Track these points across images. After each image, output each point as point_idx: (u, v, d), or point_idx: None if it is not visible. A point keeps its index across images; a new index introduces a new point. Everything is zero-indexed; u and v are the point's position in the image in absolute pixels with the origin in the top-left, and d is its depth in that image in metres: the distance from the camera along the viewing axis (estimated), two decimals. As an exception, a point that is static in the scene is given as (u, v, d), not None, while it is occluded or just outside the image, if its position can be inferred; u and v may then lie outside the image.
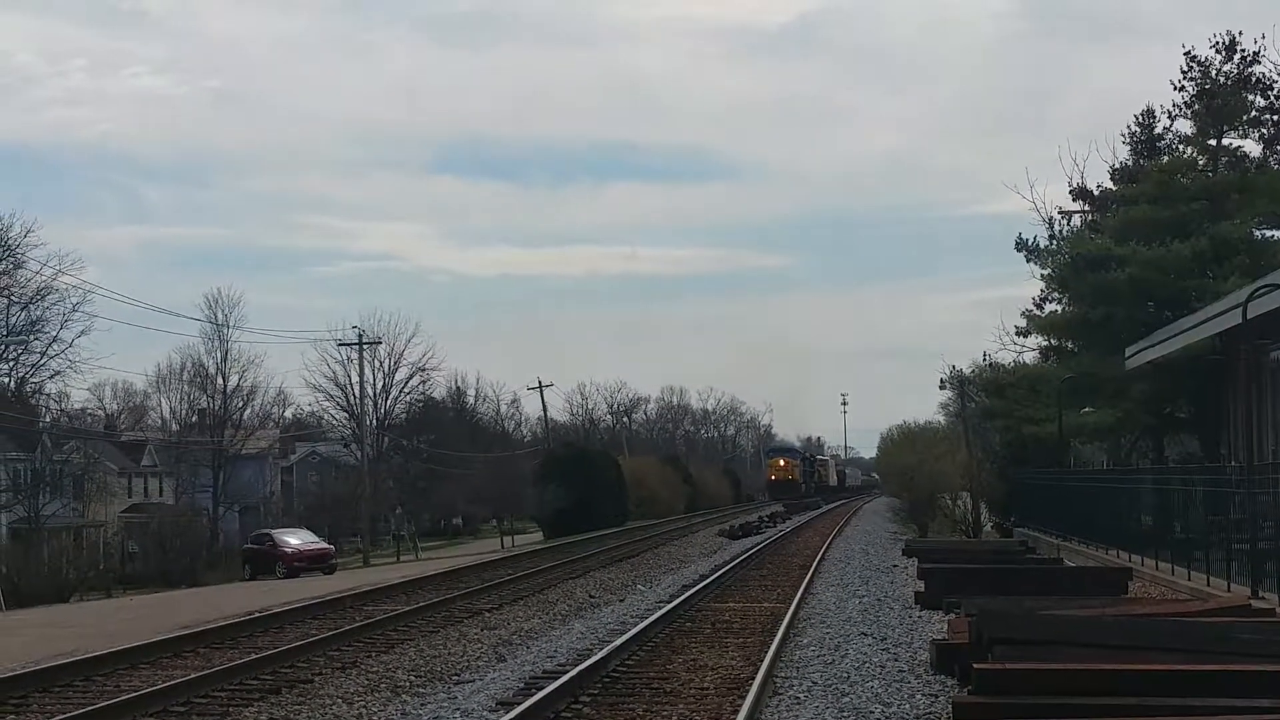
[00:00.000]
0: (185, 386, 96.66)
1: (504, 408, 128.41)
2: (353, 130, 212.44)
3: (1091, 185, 54.92)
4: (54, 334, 71.41)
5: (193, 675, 18.57)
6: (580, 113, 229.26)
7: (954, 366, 72.08)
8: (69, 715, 15.51)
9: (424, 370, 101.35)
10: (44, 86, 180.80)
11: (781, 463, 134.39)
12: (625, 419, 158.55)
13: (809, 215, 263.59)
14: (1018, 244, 54.89)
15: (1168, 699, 12.59)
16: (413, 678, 18.81)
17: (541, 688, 16.33)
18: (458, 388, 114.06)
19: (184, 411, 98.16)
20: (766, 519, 70.32)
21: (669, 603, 27.01)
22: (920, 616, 24.15)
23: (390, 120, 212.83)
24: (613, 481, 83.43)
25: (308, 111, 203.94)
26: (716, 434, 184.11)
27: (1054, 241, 55.19)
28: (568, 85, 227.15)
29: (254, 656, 20.55)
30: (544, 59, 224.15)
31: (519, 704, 15.30)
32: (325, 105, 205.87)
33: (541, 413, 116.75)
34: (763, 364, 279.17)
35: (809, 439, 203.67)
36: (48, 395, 78.59)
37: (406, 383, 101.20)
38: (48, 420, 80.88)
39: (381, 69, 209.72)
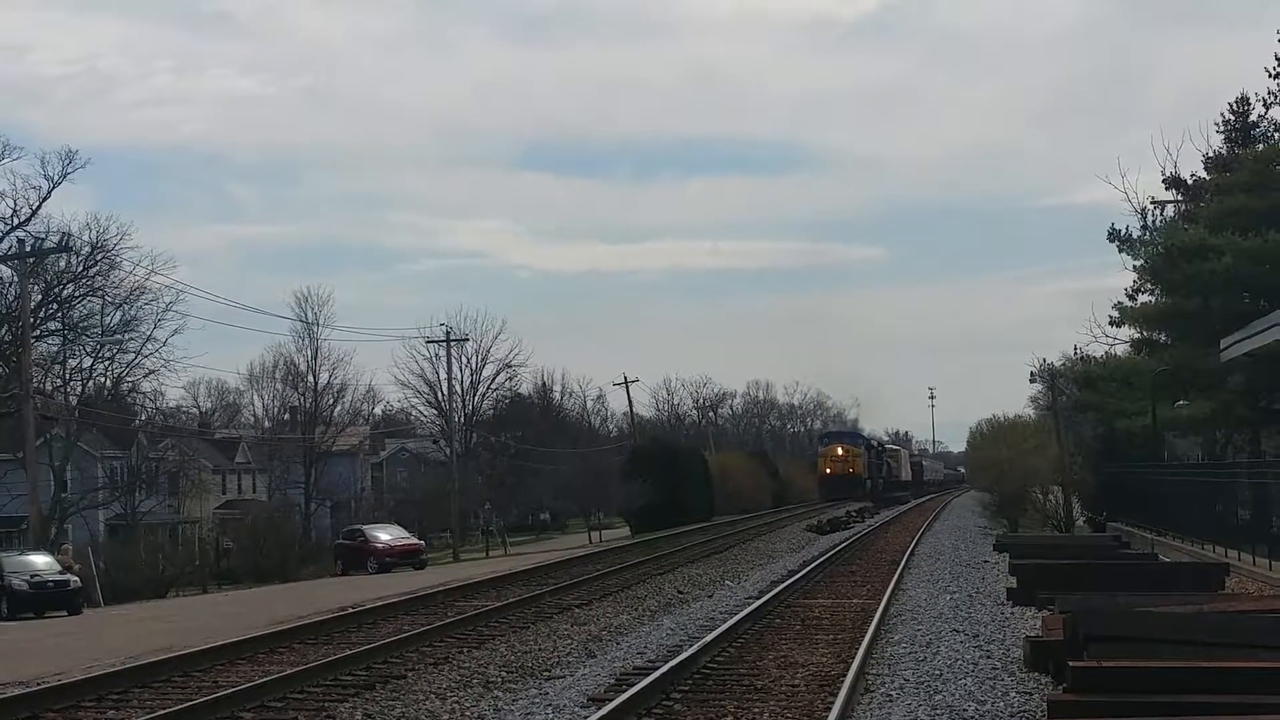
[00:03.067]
0: (277, 384, 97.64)
1: (590, 403, 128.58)
2: (437, 128, 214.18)
3: (1185, 174, 54.23)
4: (148, 333, 72.15)
5: (288, 671, 18.77)
6: (662, 107, 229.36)
7: (1044, 359, 71.56)
8: (168, 710, 15.71)
9: (511, 366, 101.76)
10: (131, 89, 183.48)
11: (839, 451, 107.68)
12: (711, 414, 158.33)
13: (893, 206, 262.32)
14: (1110, 234, 54.42)
15: (1268, 697, 12.42)
16: (504, 673, 18.91)
17: (632, 684, 16.36)
18: (544, 384, 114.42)
19: (276, 409, 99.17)
20: (855, 514, 69.99)
21: (758, 599, 26.99)
22: (1012, 613, 23.96)
23: (474, 117, 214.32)
24: (699, 477, 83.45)
25: (393, 110, 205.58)
26: (803, 428, 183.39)
27: (1147, 232, 54.62)
28: (649, 80, 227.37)
29: (348, 652, 20.75)
30: (625, 54, 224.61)
31: (610, 700, 15.33)
32: (409, 103, 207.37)
33: (627, 408, 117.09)
34: (848, 358, 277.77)
35: (896, 433, 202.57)
36: (143, 394, 79.47)
37: (494, 379, 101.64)
38: (143, 418, 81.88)
39: (463, 67, 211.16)
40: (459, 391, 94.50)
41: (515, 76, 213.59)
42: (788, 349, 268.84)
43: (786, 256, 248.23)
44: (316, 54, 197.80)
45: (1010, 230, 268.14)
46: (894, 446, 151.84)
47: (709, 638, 20.23)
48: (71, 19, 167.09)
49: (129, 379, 75.88)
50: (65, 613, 37.85)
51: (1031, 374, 75.13)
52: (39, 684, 18.73)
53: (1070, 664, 13.48)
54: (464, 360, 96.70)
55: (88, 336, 72.29)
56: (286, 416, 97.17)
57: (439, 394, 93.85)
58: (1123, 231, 54.35)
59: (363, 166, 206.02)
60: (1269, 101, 50.42)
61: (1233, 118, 51.92)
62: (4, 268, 64.83)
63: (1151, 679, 12.96)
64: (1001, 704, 14.93)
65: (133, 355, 73.23)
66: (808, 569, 35.11)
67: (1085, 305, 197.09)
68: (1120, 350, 56.90)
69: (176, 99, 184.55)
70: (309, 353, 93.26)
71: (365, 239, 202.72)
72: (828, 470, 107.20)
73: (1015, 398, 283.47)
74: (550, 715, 15.43)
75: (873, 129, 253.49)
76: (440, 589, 33.12)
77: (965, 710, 14.58)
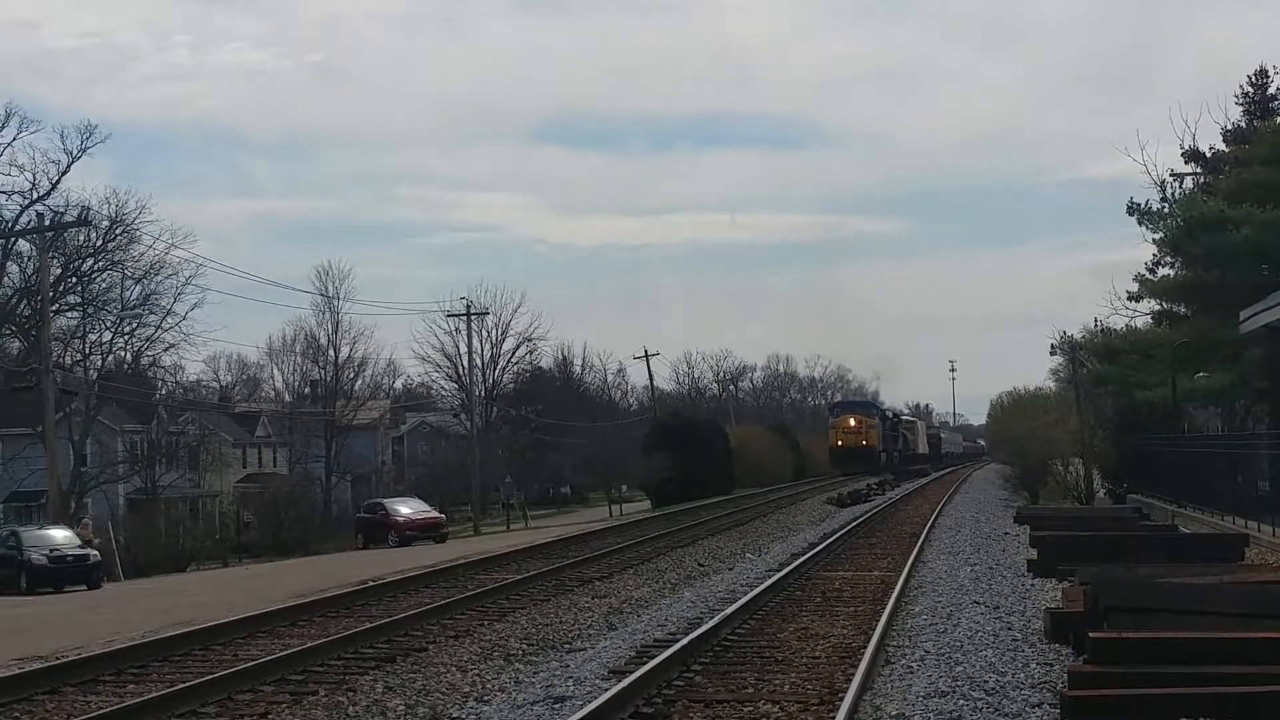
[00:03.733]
0: (297, 358, 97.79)
1: (610, 377, 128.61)
2: (452, 103, 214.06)
3: (1204, 147, 54.00)
4: (168, 308, 72.41)
5: (309, 644, 18.84)
6: (678, 82, 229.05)
7: (1064, 332, 71.38)
8: (188, 684, 15.77)
9: (531, 340, 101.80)
10: (148, 63, 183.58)
11: (852, 422, 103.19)
12: (731, 387, 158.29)
13: (911, 181, 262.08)
14: (1129, 208, 54.21)
15: (1288, 668, 12.40)
16: (525, 646, 18.95)
17: (653, 656, 16.39)
18: (564, 357, 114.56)
19: (297, 383, 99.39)
20: (875, 487, 70.00)
21: (778, 571, 27.02)
22: (1033, 584, 23.96)
23: (487, 94, 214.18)
24: (720, 450, 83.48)
25: (408, 85, 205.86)
26: (823, 402, 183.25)
27: (1166, 205, 54.40)
28: (665, 54, 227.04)
29: (369, 625, 20.81)
30: (640, 29, 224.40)
31: (631, 672, 15.35)
32: (424, 79, 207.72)
33: (648, 381, 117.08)
34: (869, 331, 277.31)
35: (916, 405, 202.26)
36: (163, 368, 79.77)
37: (514, 353, 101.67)
38: (164, 393, 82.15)
39: (479, 42, 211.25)
40: (479, 365, 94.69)
41: (530, 52, 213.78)
42: (808, 322, 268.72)
43: (805, 230, 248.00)
44: (330, 30, 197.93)
45: (1029, 204, 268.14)
46: (910, 418, 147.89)
47: (729, 610, 20.25)
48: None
49: (149, 353, 76.20)
50: (85, 587, 38.05)
51: (1052, 346, 74.97)
52: (59, 658, 18.81)
53: (1090, 635, 13.46)
54: (484, 334, 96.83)
55: (107, 311, 72.66)
56: (307, 390, 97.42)
57: (459, 368, 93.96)
58: (1142, 205, 54.17)
59: (378, 142, 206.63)
60: (1287, 74, 50.19)
61: (1251, 90, 51.69)
62: (23, 242, 65.06)
63: (1172, 650, 12.93)
64: (1022, 675, 14.93)
65: (152, 329, 73.57)
66: (828, 541, 35.14)
67: (1105, 278, 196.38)
68: (1140, 323, 56.77)
69: (191, 74, 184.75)
70: (330, 326, 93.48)
71: (381, 214, 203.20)
72: (839, 442, 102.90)
73: (1036, 371, 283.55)
74: (571, 687, 15.45)
75: (889, 105, 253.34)
76: (461, 562, 33.20)
77: (986, 681, 14.58)
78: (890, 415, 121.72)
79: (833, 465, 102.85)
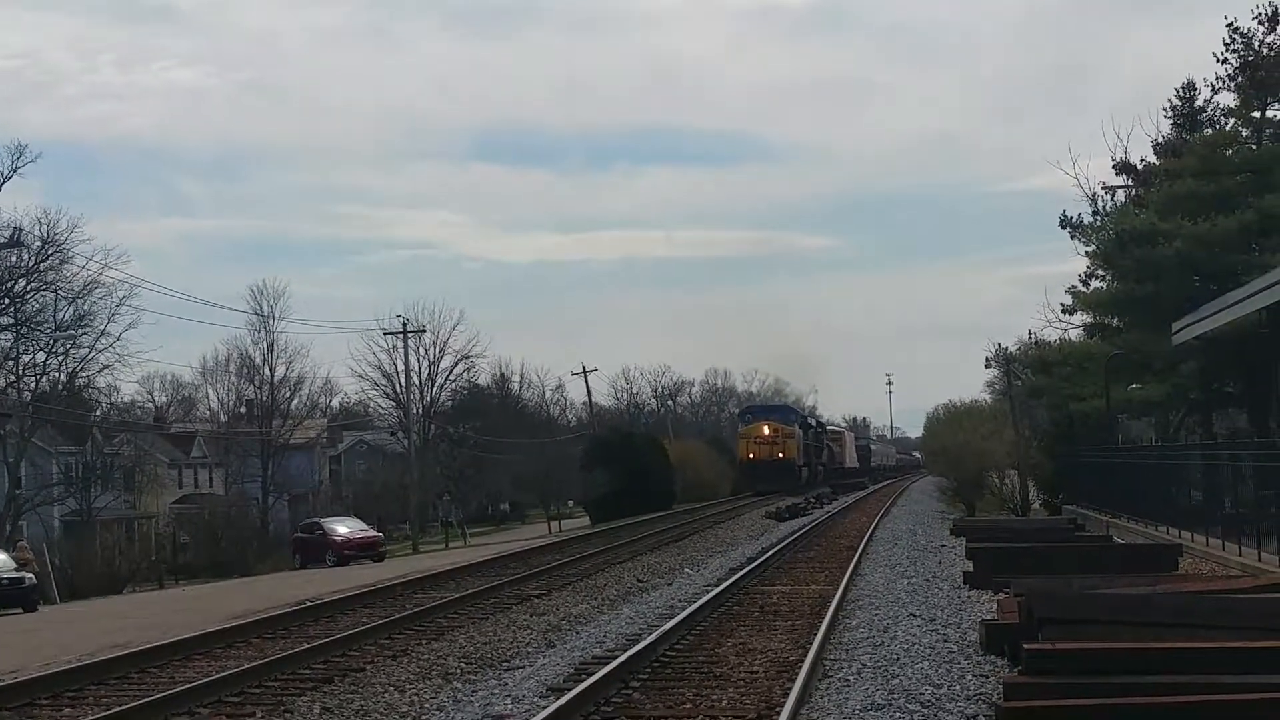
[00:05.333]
0: (232, 378, 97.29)
1: (549, 393, 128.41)
2: (385, 121, 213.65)
3: (1135, 160, 54.54)
4: (102, 328, 71.92)
5: (246, 665, 18.72)
6: (614, 98, 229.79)
7: (1000, 345, 71.97)
8: (125, 708, 15.65)
9: (469, 358, 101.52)
10: (76, 83, 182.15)
11: (766, 430, 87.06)
12: (670, 403, 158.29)
13: (847, 196, 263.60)
14: (1062, 220, 54.71)
15: (1220, 677, 12.55)
16: (463, 664, 18.91)
17: (591, 673, 16.40)
18: (502, 374, 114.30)
19: (232, 402, 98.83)
20: (814, 499, 70.17)
21: (717, 586, 27.05)
22: (969, 596, 24.12)
23: (423, 110, 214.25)
24: (659, 465, 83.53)
25: (340, 103, 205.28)
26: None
27: (1098, 218, 54.92)
28: (601, 71, 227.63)
29: (306, 646, 20.71)
30: (576, 46, 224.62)
31: (569, 690, 15.36)
32: (356, 97, 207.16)
33: (586, 398, 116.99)
34: (806, 346, 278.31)
35: (855, 419, 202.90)
36: (98, 389, 79.19)
37: (451, 370, 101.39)
38: (98, 414, 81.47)
39: (412, 59, 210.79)
40: (417, 383, 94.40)
41: (464, 68, 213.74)
42: (745, 337, 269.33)
43: (742, 245, 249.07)
44: (260, 47, 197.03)
45: (965, 218, 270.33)
46: (838, 427, 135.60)
47: (668, 626, 20.28)
48: (12, 13, 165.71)
49: (83, 374, 75.58)
50: (20, 610, 37.59)
51: (987, 359, 75.63)
52: (-5, 682, 18.61)
53: (1025, 647, 13.59)
54: (421, 352, 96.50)
55: (41, 332, 71.99)
56: (242, 410, 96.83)
57: (397, 386, 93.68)
58: (1074, 218, 54.68)
59: (311, 160, 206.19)
60: (1216, 87, 50.77)
61: (1180, 103, 52.23)
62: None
63: (1105, 661, 13.08)
64: (958, 687, 15.03)
65: (87, 350, 73.02)
66: (766, 555, 35.23)
67: (1040, 291, 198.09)
68: (1074, 335, 57.32)
69: (120, 93, 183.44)
70: (265, 345, 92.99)
71: (316, 232, 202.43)
72: (750, 454, 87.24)
73: (973, 383, 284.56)
74: (510, 706, 15.44)
75: (826, 120, 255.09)
76: (399, 581, 33.09)
77: (922, 694, 14.67)
78: (813, 424, 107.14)
79: (743, 483, 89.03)
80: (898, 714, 13.67)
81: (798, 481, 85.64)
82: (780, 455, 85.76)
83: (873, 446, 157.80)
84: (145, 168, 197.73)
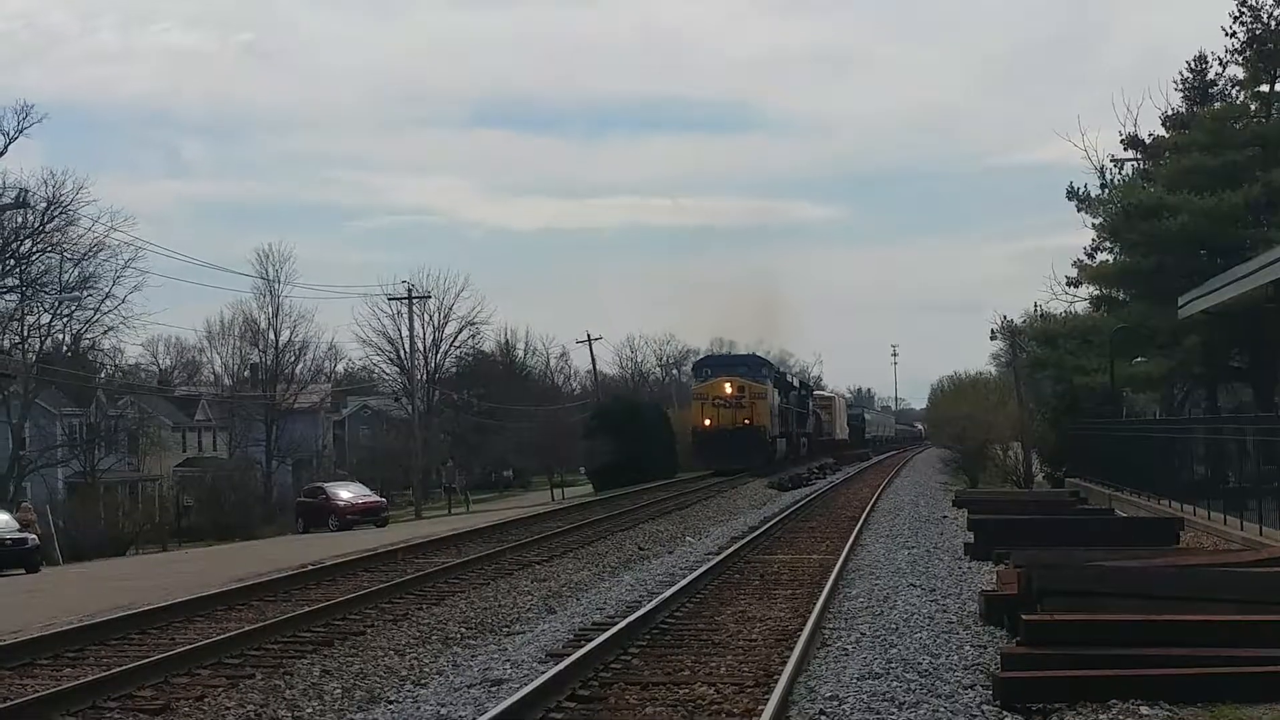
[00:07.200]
0: (237, 341, 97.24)
1: (553, 361, 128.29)
2: (387, 86, 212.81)
3: (1144, 133, 54.37)
4: (107, 290, 71.95)
5: (247, 628, 18.76)
6: (616, 67, 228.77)
7: (1005, 317, 71.79)
8: (125, 668, 15.69)
9: (473, 324, 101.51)
10: (76, 45, 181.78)
11: (728, 389, 68.21)
12: (674, 371, 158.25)
13: (851, 167, 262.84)
14: (1069, 193, 54.59)
15: (1220, 650, 12.57)
16: (463, 629, 18.95)
17: (591, 639, 16.42)
18: (507, 341, 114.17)
19: (236, 366, 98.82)
20: (816, 470, 70.11)
21: (718, 555, 27.09)
22: (970, 568, 24.14)
23: (423, 76, 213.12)
24: (662, 434, 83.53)
25: (342, 68, 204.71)
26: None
27: (1105, 190, 54.78)
28: (600, 38, 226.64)
29: (307, 609, 20.74)
30: (579, 14, 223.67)
31: (568, 655, 15.39)
32: (358, 61, 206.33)
33: (591, 366, 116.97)
34: (812, 316, 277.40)
35: (859, 390, 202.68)
36: (102, 351, 79.27)
37: (456, 336, 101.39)
38: (102, 376, 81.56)
39: (410, 25, 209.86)
40: (421, 349, 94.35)
41: (463, 34, 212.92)
42: (750, 306, 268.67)
43: (746, 214, 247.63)
44: (259, 10, 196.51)
45: (971, 189, 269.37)
46: (827, 393, 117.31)
47: (668, 593, 20.30)
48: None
49: (88, 336, 75.66)
50: (23, 571, 37.73)
51: (992, 331, 75.44)
52: (-4, 641, 18.66)
53: (1024, 618, 13.62)
54: (426, 318, 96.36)
55: (46, 293, 72.02)
56: (247, 374, 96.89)
57: (401, 351, 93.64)
58: (1081, 190, 54.56)
59: (312, 124, 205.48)
60: (1225, 60, 50.62)
61: (1190, 76, 52.07)
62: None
63: (1103, 632, 13.10)
64: (956, 657, 15.05)
65: (91, 312, 73.07)
66: (768, 525, 35.28)
67: (1046, 264, 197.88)
68: (1080, 308, 57.20)
69: (122, 56, 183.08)
70: (270, 310, 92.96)
71: (317, 196, 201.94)
72: (706, 421, 68.52)
73: (978, 355, 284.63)
74: (509, 670, 15.47)
75: (828, 90, 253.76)
76: (401, 546, 33.13)
77: (920, 663, 14.69)
78: (794, 383, 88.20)
79: (696, 457, 71.84)
80: (895, 683, 13.68)
81: (770, 457, 69.00)
82: (746, 422, 67.41)
83: (867, 416, 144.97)
84: (145, 130, 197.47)
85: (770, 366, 74.80)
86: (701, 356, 76.96)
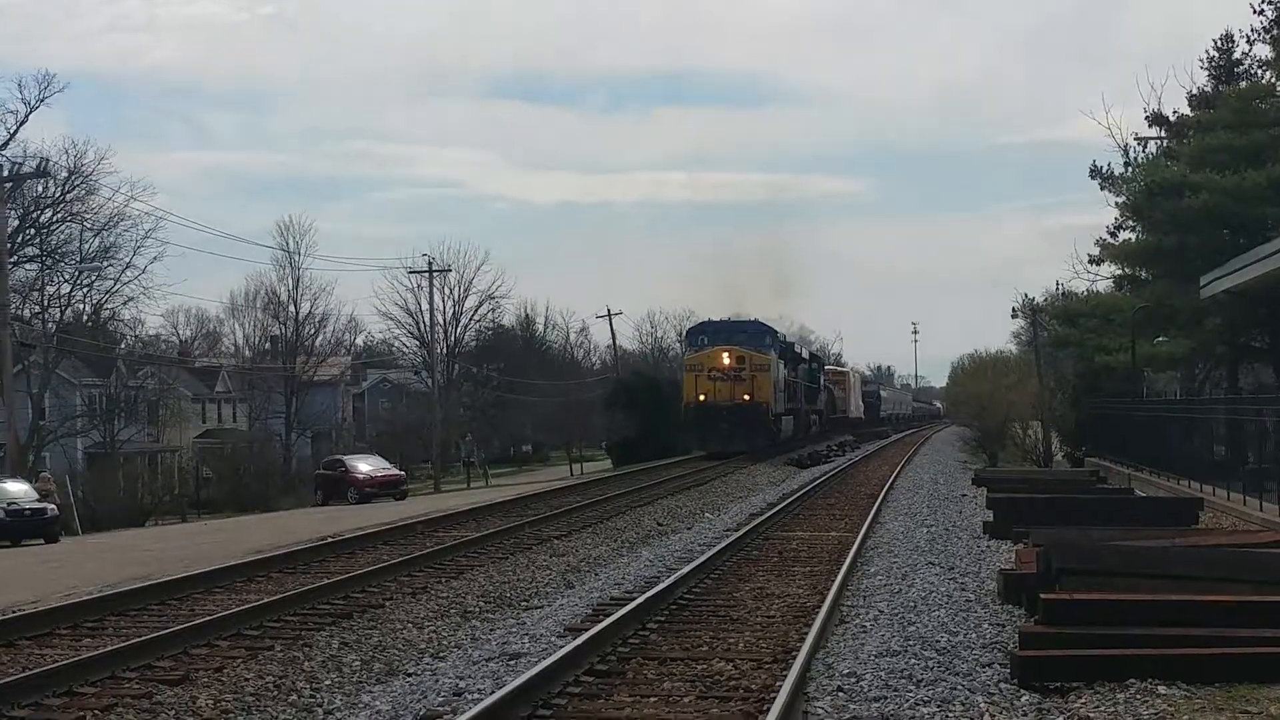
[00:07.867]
0: (258, 313, 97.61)
1: (573, 335, 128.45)
2: (406, 58, 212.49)
3: (1169, 111, 54.13)
4: (127, 260, 72.09)
5: (266, 599, 18.80)
6: (635, 39, 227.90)
7: (1027, 295, 71.69)
8: (144, 639, 15.74)
9: (494, 298, 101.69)
10: (98, 14, 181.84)
11: (725, 360, 59.82)
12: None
13: (872, 141, 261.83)
14: (1092, 171, 54.47)
15: (1238, 630, 12.54)
16: (482, 603, 18.98)
17: (609, 614, 16.44)
18: (527, 315, 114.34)
19: (257, 338, 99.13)
20: (835, 447, 70.08)
21: (736, 531, 27.10)
22: (989, 546, 24.11)
23: (442, 48, 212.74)
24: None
25: (364, 39, 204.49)
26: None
27: (1129, 169, 54.59)
28: (620, 11, 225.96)
29: (326, 581, 20.78)
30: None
31: (587, 630, 15.40)
32: (381, 32, 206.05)
33: (610, 341, 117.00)
34: (832, 293, 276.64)
35: (879, 367, 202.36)
36: (122, 322, 79.48)
37: (476, 310, 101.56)
38: (123, 346, 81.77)
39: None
40: (441, 323, 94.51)
41: (488, 6, 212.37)
42: (769, 281, 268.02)
43: (765, 189, 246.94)
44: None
45: (993, 165, 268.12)
46: (839, 368, 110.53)
47: (686, 569, 20.30)
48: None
49: (108, 306, 75.84)
50: (42, 541, 37.85)
51: (1014, 309, 75.38)
52: (15, 611, 18.74)
53: (1042, 597, 13.59)
54: (446, 291, 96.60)
55: (66, 263, 72.19)
56: (267, 346, 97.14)
57: (421, 325, 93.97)
58: (1105, 168, 54.40)
59: (334, 95, 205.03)
60: (1252, 39, 50.32)
61: (1217, 54, 51.79)
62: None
63: (1122, 611, 13.07)
64: (974, 635, 15.03)
65: (112, 282, 73.24)
66: (787, 501, 35.26)
67: (1068, 242, 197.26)
68: (1102, 287, 57.08)
69: (144, 25, 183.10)
70: (291, 282, 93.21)
71: (338, 168, 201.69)
72: (700, 396, 59.89)
73: (999, 333, 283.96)
74: (527, 644, 15.50)
75: (853, 63, 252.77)
76: (420, 519, 33.17)
77: (938, 641, 14.68)
78: (804, 354, 79.20)
79: (688, 436, 64.92)
80: (913, 660, 13.68)
81: (774, 437, 62.01)
82: (746, 397, 59.51)
83: (883, 393, 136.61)
84: (167, 101, 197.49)
85: (775, 335, 65.48)
86: (698, 324, 67.08)
